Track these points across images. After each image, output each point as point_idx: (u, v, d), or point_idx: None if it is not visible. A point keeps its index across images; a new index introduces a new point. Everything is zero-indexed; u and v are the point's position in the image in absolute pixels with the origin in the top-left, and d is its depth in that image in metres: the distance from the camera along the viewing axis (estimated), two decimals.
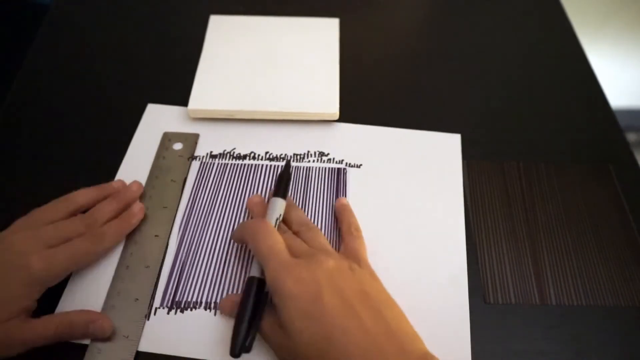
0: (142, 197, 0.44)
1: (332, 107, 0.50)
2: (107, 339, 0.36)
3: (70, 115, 0.50)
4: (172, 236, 0.42)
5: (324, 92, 0.51)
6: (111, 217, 0.41)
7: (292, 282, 0.32)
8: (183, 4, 0.62)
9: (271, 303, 0.34)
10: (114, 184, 0.43)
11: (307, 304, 0.32)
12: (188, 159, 0.47)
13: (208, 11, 0.59)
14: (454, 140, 0.49)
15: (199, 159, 0.47)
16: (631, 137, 1.36)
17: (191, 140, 0.48)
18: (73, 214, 0.40)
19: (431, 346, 0.36)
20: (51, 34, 0.58)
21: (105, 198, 0.42)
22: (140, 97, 0.52)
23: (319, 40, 0.56)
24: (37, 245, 0.36)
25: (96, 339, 0.36)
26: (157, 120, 0.50)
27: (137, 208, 0.42)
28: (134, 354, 0.36)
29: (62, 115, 0.50)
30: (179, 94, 0.51)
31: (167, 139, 0.48)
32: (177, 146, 0.47)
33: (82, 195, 0.41)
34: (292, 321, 0.32)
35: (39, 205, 0.40)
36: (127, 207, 0.42)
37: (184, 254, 0.41)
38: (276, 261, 0.34)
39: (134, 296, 0.38)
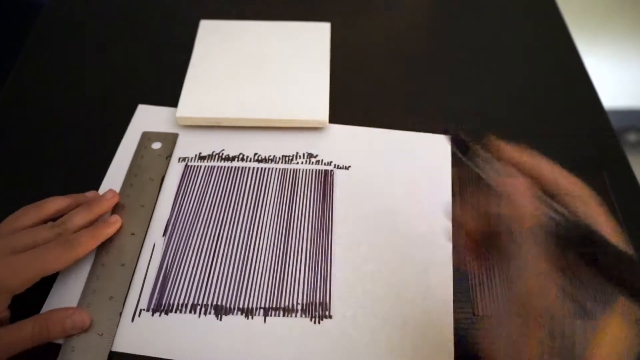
0: (119, 196, 0.43)
1: (322, 115, 0.49)
2: (84, 331, 0.36)
3: (59, 118, 0.50)
4: (158, 239, 0.42)
5: (314, 98, 0.50)
6: (82, 225, 0.40)
7: None
8: (175, 8, 0.62)
9: None
10: (87, 194, 0.43)
11: None
12: (167, 158, 0.47)
13: (199, 15, 0.58)
14: (443, 142, 0.49)
15: (187, 160, 0.47)
16: (631, 137, 1.33)
17: (170, 139, 0.48)
18: (44, 221, 0.39)
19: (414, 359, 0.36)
20: (42, 37, 0.58)
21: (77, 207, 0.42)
22: (130, 100, 0.51)
23: (310, 45, 0.56)
24: (1, 252, 0.35)
25: (74, 333, 0.35)
26: (148, 122, 0.49)
27: (114, 219, 0.41)
28: (108, 351, 0.35)
29: (49, 118, 0.50)
30: (171, 95, 0.51)
31: (147, 138, 0.48)
32: (156, 145, 0.47)
33: (54, 203, 0.40)
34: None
35: (21, 205, 0.39)
36: (99, 216, 0.41)
37: (171, 257, 0.41)
38: None
39: (109, 294, 0.38)
